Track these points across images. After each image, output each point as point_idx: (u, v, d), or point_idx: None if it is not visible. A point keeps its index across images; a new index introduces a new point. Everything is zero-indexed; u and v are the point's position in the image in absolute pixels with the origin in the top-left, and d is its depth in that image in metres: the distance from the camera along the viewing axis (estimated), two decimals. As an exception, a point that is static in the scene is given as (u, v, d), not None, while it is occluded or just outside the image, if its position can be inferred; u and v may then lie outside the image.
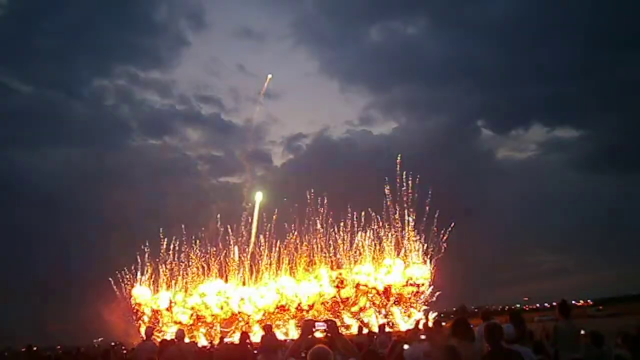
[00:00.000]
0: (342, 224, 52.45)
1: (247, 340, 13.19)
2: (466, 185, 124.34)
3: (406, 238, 52.16)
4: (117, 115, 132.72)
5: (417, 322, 11.60)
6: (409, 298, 52.61)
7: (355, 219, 52.28)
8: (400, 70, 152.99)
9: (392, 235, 52.26)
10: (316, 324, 4.74)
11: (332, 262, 52.87)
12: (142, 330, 47.21)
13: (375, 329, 22.63)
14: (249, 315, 51.16)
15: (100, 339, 57.55)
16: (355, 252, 52.71)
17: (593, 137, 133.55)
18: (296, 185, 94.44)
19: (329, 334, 4.67)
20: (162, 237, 53.26)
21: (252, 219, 54.69)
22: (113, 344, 49.87)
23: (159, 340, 11.66)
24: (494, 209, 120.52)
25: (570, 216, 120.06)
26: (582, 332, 8.12)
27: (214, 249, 54.06)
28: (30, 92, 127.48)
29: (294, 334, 50.07)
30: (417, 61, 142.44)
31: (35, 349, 23.38)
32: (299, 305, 51.31)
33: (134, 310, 52.24)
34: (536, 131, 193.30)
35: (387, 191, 52.57)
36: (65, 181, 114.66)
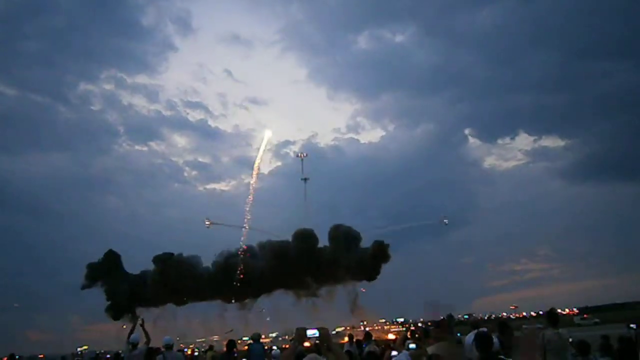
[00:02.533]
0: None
1: (234, 349, 13.08)
2: (454, 193, 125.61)
3: None
4: (104, 120, 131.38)
5: (407, 330, 11.61)
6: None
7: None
8: (388, 78, 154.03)
9: None
10: (308, 331, 4.76)
11: None
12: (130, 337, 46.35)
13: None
14: None
15: (84, 347, 56.52)
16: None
17: (579, 146, 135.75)
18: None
19: (321, 341, 4.69)
20: None
21: None
22: (98, 352, 49.05)
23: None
24: (482, 218, 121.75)
25: (557, 225, 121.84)
26: (570, 340, 8.18)
27: None
28: (14, 95, 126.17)
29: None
30: (405, 69, 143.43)
31: (17, 357, 22.95)
32: None
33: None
34: (523, 140, 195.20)
35: None
36: (50, 186, 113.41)
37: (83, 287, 51.91)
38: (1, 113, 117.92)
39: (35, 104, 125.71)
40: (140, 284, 51.91)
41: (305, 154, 56.51)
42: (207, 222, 52.95)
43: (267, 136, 57.34)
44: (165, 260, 51.83)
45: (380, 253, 53.22)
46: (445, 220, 56.46)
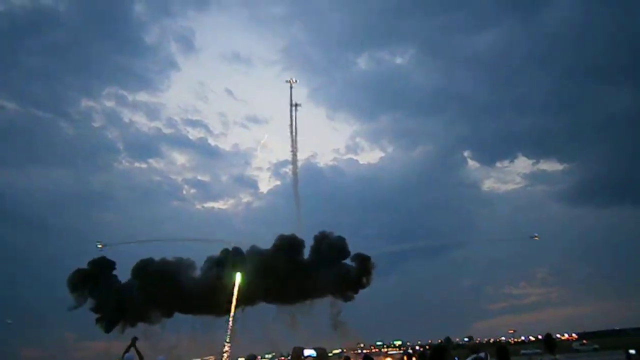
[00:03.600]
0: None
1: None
2: (452, 215, 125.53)
3: None
4: (104, 136, 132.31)
5: (404, 353, 11.56)
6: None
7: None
8: (387, 99, 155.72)
9: None
10: (305, 351, 4.79)
11: None
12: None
13: None
14: None
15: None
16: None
17: (577, 170, 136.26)
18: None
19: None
20: None
21: None
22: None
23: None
24: (481, 240, 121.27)
25: (556, 249, 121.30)
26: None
27: None
28: (15, 109, 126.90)
29: None
30: (405, 91, 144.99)
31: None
32: None
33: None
34: (521, 163, 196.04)
35: None
36: (48, 201, 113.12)
37: (72, 308, 47.38)
38: (2, 127, 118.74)
39: (36, 118, 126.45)
40: (128, 294, 48.16)
41: (295, 80, 54.01)
42: (99, 245, 49.78)
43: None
44: (144, 268, 47.79)
45: (362, 272, 48.41)
46: (536, 237, 54.90)
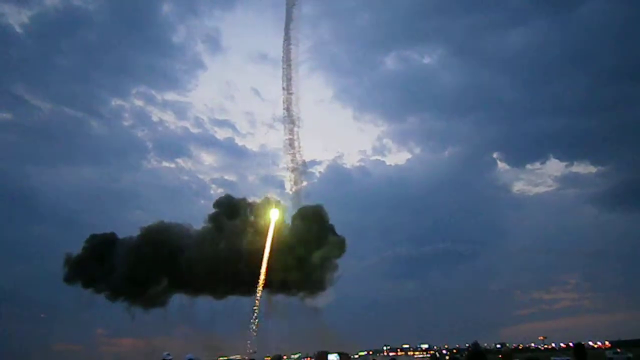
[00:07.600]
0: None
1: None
2: (481, 218, 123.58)
3: None
4: (134, 135, 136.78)
5: (432, 358, 11.82)
6: None
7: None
8: (415, 99, 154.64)
9: None
10: (329, 356, 5.18)
11: None
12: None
13: None
14: None
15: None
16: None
17: (611, 173, 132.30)
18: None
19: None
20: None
21: None
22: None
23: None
24: (510, 244, 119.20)
25: (589, 254, 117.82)
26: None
27: None
28: (50, 109, 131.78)
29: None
30: (433, 91, 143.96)
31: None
32: None
33: None
34: (553, 166, 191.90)
35: None
36: (79, 199, 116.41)
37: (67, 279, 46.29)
38: (37, 126, 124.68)
39: (69, 117, 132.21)
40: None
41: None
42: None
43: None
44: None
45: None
46: None
